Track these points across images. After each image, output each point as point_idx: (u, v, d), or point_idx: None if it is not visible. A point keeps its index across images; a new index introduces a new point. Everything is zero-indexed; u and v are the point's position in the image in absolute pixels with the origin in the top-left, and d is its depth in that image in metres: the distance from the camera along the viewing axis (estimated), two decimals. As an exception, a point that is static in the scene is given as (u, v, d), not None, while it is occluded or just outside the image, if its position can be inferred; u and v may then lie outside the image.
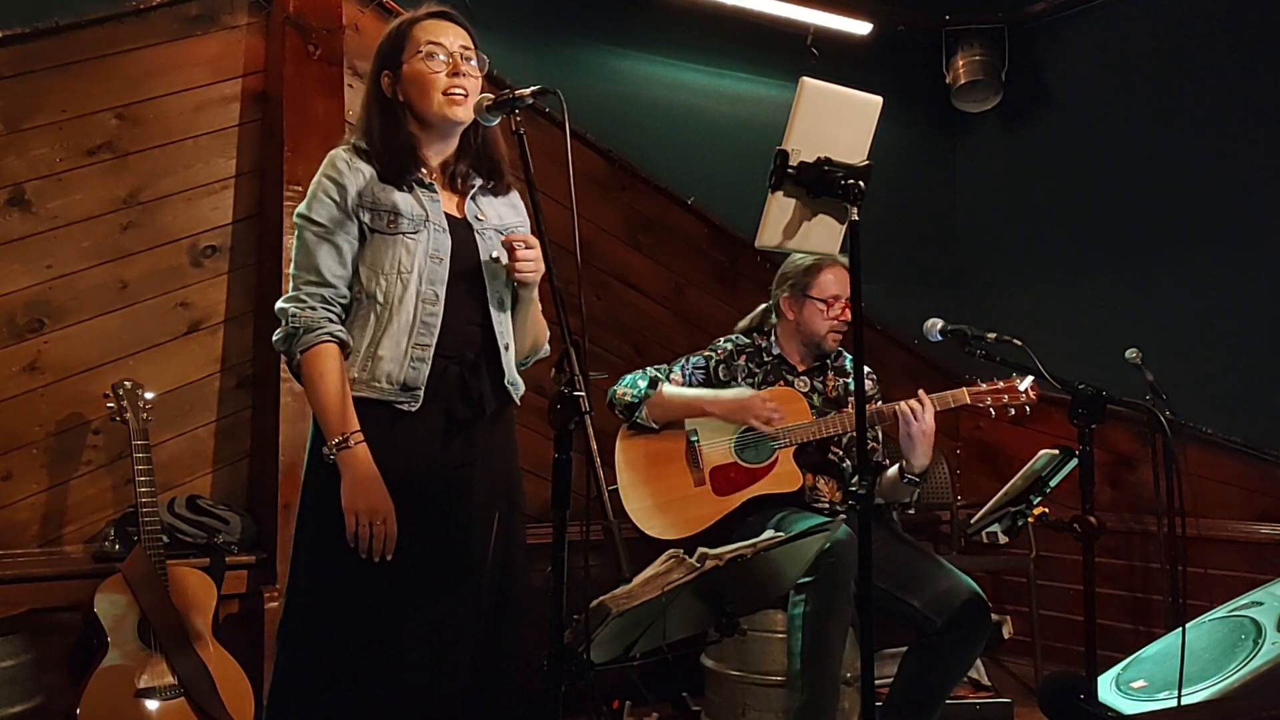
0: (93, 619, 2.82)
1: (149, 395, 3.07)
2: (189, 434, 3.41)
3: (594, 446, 1.69)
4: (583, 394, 1.72)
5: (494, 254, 2.14)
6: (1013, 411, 2.82)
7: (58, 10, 3.23)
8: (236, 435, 3.48)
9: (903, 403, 2.78)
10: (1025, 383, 2.81)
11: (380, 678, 2.01)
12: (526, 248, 2.08)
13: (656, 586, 1.70)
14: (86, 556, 3.11)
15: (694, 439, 2.96)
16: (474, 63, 2.12)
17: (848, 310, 2.94)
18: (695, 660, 3.33)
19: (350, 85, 3.57)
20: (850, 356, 3.10)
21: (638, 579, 1.71)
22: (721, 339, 3.11)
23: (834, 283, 2.96)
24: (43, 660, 2.90)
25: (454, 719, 2.04)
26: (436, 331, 2.06)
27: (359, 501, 1.97)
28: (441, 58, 2.08)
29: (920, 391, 2.81)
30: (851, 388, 3.04)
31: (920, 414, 2.76)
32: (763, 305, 3.17)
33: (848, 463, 3.01)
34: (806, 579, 2.61)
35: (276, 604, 3.15)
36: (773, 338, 3.07)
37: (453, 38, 2.11)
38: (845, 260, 2.92)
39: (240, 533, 3.27)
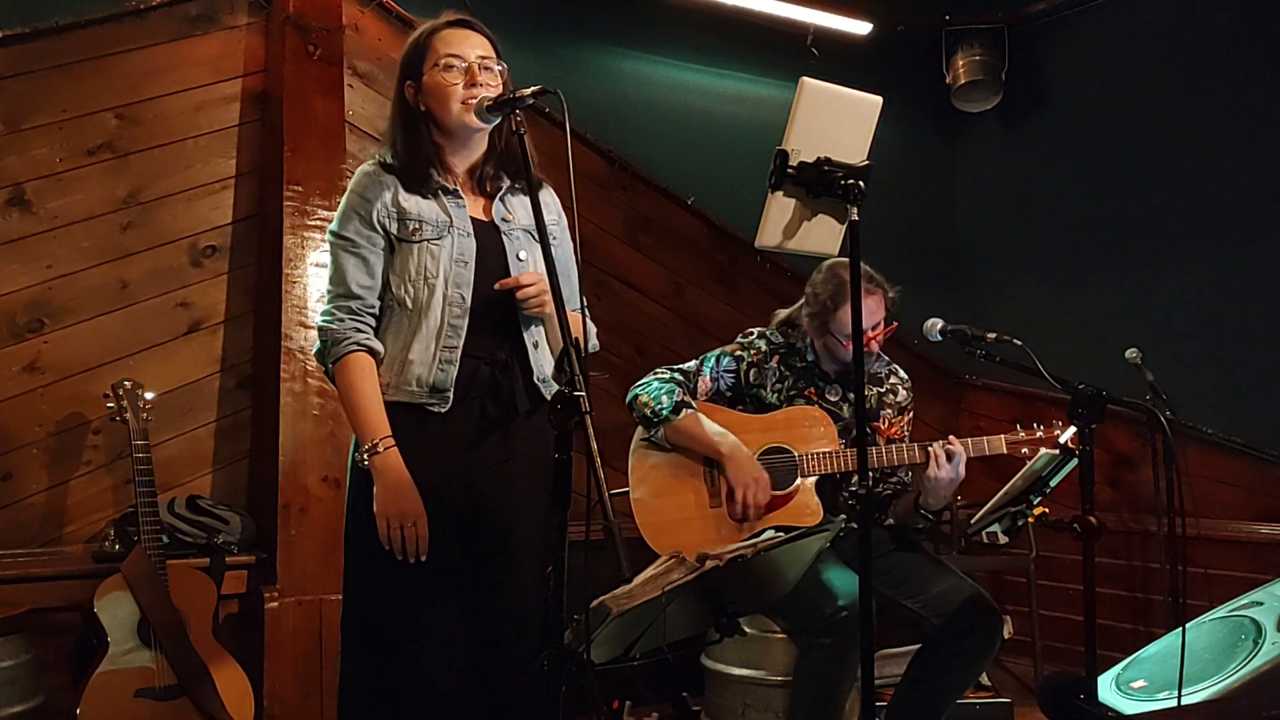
0: (93, 619, 2.82)
1: (149, 395, 3.06)
2: (189, 434, 3.41)
3: (594, 446, 1.69)
4: (583, 394, 1.73)
5: (497, 285, 2.13)
6: None
7: (58, 10, 3.23)
8: (236, 435, 3.48)
9: (936, 446, 2.66)
10: (1067, 434, 2.66)
11: (432, 676, 2.03)
12: (521, 287, 2.10)
13: (656, 586, 1.70)
14: (86, 556, 3.11)
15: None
16: (494, 70, 2.13)
17: (874, 343, 2.79)
18: (695, 660, 3.33)
19: (350, 85, 3.58)
20: (887, 359, 2.97)
21: (638, 579, 1.71)
22: (755, 334, 2.94)
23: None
24: (43, 660, 2.90)
25: (506, 716, 2.06)
26: (464, 333, 2.10)
27: (389, 506, 2.02)
28: (460, 67, 2.10)
29: (951, 437, 2.69)
30: (887, 398, 2.92)
31: (955, 460, 2.63)
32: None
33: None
34: (824, 639, 2.51)
35: (276, 604, 3.15)
36: (809, 340, 2.90)
37: (471, 47, 2.13)
38: (879, 278, 2.79)
39: (240, 533, 3.27)
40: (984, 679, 3.69)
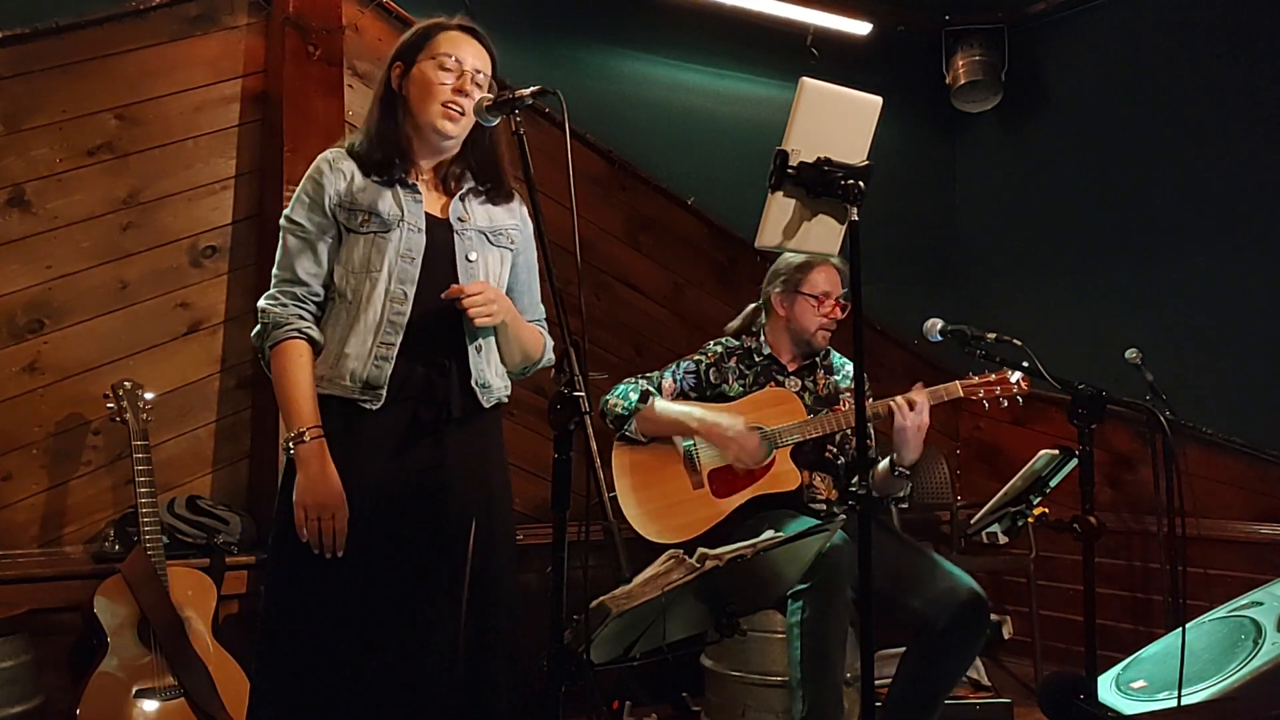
0: (92, 619, 2.82)
1: (149, 395, 3.07)
2: (189, 434, 3.41)
3: (594, 446, 1.69)
4: (582, 394, 1.72)
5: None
6: (1004, 403, 2.84)
7: (58, 10, 3.23)
8: (236, 435, 3.48)
9: (897, 397, 2.77)
10: (1016, 374, 2.83)
11: (356, 680, 1.99)
12: (468, 295, 2.03)
13: (656, 587, 1.70)
14: (86, 557, 3.11)
15: (690, 446, 2.97)
16: (483, 87, 2.11)
17: (837, 309, 2.99)
18: (695, 660, 3.33)
19: (350, 85, 3.57)
20: (838, 355, 3.14)
21: (637, 579, 1.71)
22: (711, 342, 3.13)
23: (825, 280, 3.00)
24: (43, 660, 2.90)
25: None
26: (403, 331, 2.06)
27: (308, 496, 1.98)
28: (452, 69, 2.09)
29: (918, 384, 2.81)
30: (842, 385, 3.08)
31: (918, 407, 2.74)
32: (751, 305, 3.20)
33: (842, 460, 3.03)
34: (803, 585, 2.60)
35: (276, 604, 3.15)
36: (762, 338, 3.08)
37: (472, 56, 2.11)
38: (837, 260, 2.98)
39: (240, 533, 3.27)
40: (984, 679, 3.69)
